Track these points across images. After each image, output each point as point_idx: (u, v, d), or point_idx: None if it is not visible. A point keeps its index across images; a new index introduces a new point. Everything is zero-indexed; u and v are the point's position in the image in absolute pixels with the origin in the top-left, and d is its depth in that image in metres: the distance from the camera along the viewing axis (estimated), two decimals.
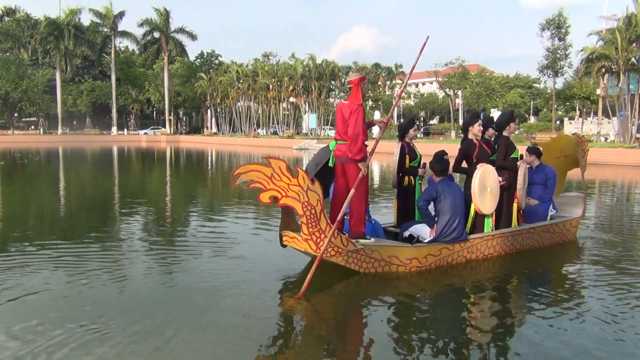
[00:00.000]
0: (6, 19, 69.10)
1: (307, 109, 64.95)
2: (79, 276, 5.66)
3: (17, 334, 4.07)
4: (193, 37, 73.47)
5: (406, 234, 6.11)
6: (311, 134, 58.71)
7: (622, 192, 15.63)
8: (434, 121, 74.80)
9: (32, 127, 75.54)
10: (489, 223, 6.52)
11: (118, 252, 6.97)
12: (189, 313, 4.54)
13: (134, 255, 6.75)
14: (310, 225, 5.15)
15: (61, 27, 65.28)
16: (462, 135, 6.82)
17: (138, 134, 71.99)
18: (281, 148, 46.36)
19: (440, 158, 6.08)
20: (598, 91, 42.64)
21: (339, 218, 5.41)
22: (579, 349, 3.92)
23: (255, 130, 67.50)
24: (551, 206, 7.67)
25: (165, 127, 74.43)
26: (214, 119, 76.06)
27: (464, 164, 6.66)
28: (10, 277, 5.61)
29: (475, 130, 6.48)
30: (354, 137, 5.52)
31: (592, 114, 52.98)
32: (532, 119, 61.91)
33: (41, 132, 68.29)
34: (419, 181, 6.87)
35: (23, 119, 78.27)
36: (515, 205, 6.93)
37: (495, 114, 42.64)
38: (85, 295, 5.04)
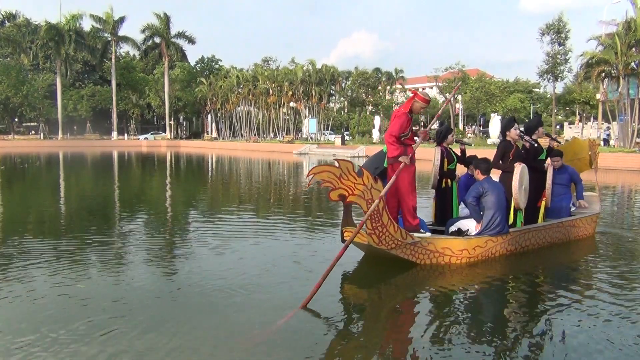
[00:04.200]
0: (7, 24, 69.22)
1: (307, 114, 65.31)
2: (80, 275, 5.82)
3: (19, 335, 4.16)
4: (192, 40, 73.76)
5: (452, 229, 6.60)
6: (311, 138, 59.04)
7: (623, 194, 16.23)
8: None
9: (33, 132, 75.55)
10: (520, 217, 7.04)
11: (119, 252, 7.15)
12: (198, 312, 4.69)
13: (135, 254, 6.95)
14: (373, 221, 5.60)
15: (62, 33, 65.44)
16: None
17: (138, 138, 72.16)
18: (282, 153, 46.53)
19: (483, 159, 6.63)
20: (598, 96, 43.11)
21: (383, 194, 5.63)
22: (616, 342, 4.15)
23: (255, 135, 67.84)
24: (570, 202, 8.23)
25: (165, 132, 74.68)
26: (214, 124, 76.30)
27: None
28: (11, 277, 5.74)
29: (512, 134, 7.06)
30: (387, 136, 6.13)
31: (592, 118, 53.61)
32: None
33: (42, 137, 68.27)
34: (456, 182, 7.40)
35: (23, 124, 78.32)
36: (543, 203, 7.47)
37: (495, 118, 43.01)
38: (86, 294, 5.17)
